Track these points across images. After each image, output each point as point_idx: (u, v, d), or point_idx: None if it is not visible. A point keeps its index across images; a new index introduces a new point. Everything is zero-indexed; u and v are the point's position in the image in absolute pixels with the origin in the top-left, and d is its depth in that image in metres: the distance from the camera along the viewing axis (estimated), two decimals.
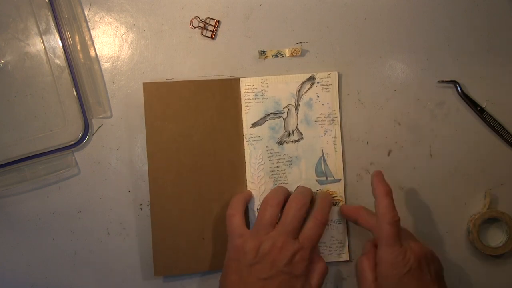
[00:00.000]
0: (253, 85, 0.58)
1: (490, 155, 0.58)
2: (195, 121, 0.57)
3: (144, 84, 0.57)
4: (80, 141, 0.57)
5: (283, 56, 0.58)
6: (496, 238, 0.58)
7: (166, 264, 0.56)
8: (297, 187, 0.57)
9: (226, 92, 0.57)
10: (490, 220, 0.58)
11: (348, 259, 0.58)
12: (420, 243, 0.51)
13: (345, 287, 0.59)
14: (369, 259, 0.51)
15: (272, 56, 0.58)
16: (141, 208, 0.58)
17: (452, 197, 0.58)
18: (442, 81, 0.58)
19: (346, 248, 0.57)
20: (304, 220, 0.52)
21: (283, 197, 0.53)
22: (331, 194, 0.57)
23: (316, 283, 0.51)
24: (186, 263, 0.56)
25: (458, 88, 0.57)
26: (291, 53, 0.58)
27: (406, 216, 0.58)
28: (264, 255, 0.49)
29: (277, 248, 0.49)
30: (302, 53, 0.58)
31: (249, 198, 0.57)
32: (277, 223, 0.52)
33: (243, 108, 0.58)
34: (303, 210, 0.52)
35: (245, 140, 0.58)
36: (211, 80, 0.58)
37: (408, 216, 0.58)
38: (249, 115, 0.58)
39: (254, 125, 0.58)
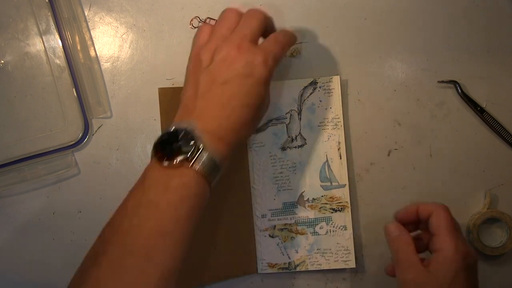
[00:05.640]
0: None
1: (490, 155, 0.58)
2: None
3: (160, 89, 0.56)
4: (80, 141, 0.57)
5: None
6: (496, 238, 0.58)
7: (181, 278, 0.54)
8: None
9: None
10: (490, 220, 0.58)
11: (354, 266, 0.57)
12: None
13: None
14: (408, 237, 0.47)
15: None
16: None
17: (452, 197, 0.58)
18: (442, 81, 0.58)
19: (352, 255, 0.57)
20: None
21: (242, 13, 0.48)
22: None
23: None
24: (198, 274, 0.55)
25: (458, 88, 0.57)
26: (291, 53, 0.58)
27: None
28: (222, 57, 0.44)
29: (234, 48, 0.44)
30: (302, 53, 0.58)
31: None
32: None
33: None
34: (262, 20, 0.46)
35: (248, 147, 0.58)
36: None
37: None
38: None
39: (257, 131, 0.58)
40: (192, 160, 0.41)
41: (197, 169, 0.41)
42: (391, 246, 0.47)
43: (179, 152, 0.40)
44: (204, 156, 0.41)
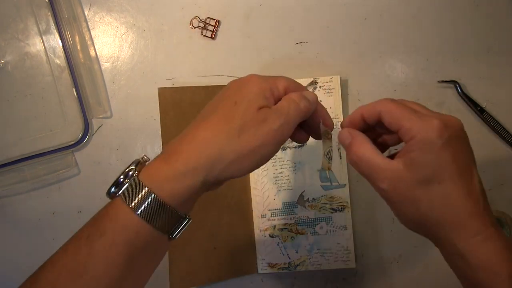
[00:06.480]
0: None
1: (490, 155, 0.58)
2: None
3: (160, 89, 0.56)
4: (80, 141, 0.57)
5: None
6: None
7: (181, 278, 0.55)
8: None
9: None
10: None
11: (354, 266, 0.57)
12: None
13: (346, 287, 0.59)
14: (362, 137, 0.38)
15: None
16: None
17: None
18: (442, 81, 0.58)
19: (352, 255, 0.57)
20: None
21: None
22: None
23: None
24: (198, 275, 0.56)
25: (458, 88, 0.57)
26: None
27: None
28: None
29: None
30: (302, 53, 0.58)
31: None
32: None
33: None
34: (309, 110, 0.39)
35: None
36: (217, 86, 0.57)
37: None
38: None
39: None
40: (123, 195, 0.34)
41: (131, 206, 0.33)
42: (349, 157, 0.39)
43: (119, 188, 0.35)
44: (142, 191, 0.34)
